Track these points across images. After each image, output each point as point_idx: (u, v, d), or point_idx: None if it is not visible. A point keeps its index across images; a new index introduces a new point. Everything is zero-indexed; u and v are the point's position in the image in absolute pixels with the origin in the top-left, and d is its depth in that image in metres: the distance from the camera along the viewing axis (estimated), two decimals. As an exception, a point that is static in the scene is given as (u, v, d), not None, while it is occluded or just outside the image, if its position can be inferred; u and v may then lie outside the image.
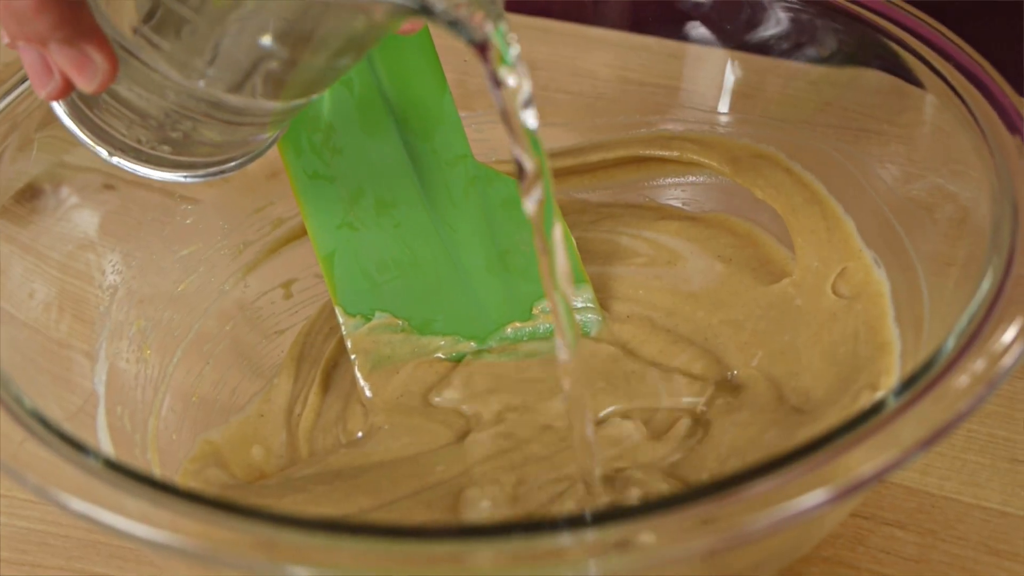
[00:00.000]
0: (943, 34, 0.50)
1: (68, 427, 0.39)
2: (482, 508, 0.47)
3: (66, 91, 0.40)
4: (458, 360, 0.55)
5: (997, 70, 0.48)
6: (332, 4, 0.37)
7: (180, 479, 0.50)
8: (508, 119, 0.38)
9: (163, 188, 0.57)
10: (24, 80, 0.51)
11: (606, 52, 0.65)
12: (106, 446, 0.46)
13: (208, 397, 0.54)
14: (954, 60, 0.49)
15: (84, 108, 0.44)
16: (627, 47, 0.64)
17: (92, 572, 0.49)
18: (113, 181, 0.55)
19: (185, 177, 0.47)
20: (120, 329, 0.52)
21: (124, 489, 0.36)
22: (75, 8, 0.38)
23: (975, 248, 0.44)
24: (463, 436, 0.52)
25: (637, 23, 0.65)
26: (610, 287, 0.58)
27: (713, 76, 0.61)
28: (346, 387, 0.55)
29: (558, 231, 0.40)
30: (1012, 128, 0.46)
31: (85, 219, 0.55)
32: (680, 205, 0.62)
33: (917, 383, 0.37)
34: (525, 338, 0.56)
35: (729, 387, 0.53)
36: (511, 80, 0.37)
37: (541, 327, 0.56)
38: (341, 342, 0.56)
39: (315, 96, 0.45)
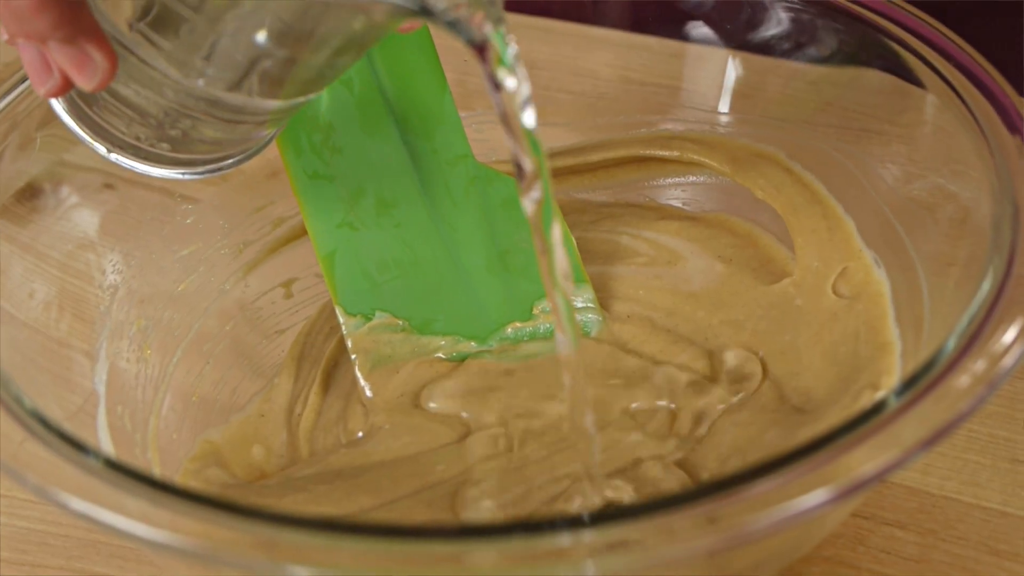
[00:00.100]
0: (944, 34, 0.50)
1: (68, 427, 0.39)
2: (483, 508, 0.47)
3: (65, 89, 0.40)
4: (459, 360, 0.55)
5: (997, 70, 0.48)
6: (331, 4, 0.37)
7: (180, 479, 0.50)
8: (507, 120, 0.38)
9: (163, 188, 0.57)
10: (24, 79, 0.51)
11: (607, 52, 0.65)
12: (106, 446, 0.46)
13: (208, 397, 0.54)
14: (955, 60, 0.49)
15: (83, 105, 0.44)
16: (628, 47, 0.64)
17: (92, 572, 0.49)
18: (113, 180, 0.55)
19: (183, 174, 0.47)
20: (120, 329, 0.52)
21: (124, 489, 0.36)
22: (75, 7, 0.38)
23: (976, 248, 0.44)
24: (464, 436, 0.52)
25: (638, 23, 0.65)
26: (610, 287, 0.58)
27: (714, 76, 0.61)
28: (346, 387, 0.55)
29: (557, 231, 0.40)
30: (1013, 128, 0.46)
31: (85, 218, 0.55)
32: (680, 205, 0.62)
33: (918, 383, 0.37)
34: (525, 338, 0.56)
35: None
36: (510, 82, 0.37)
37: (541, 327, 0.56)
38: (341, 342, 0.56)
39: (314, 94, 0.45)
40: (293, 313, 0.58)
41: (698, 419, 0.51)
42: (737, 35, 0.60)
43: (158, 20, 0.39)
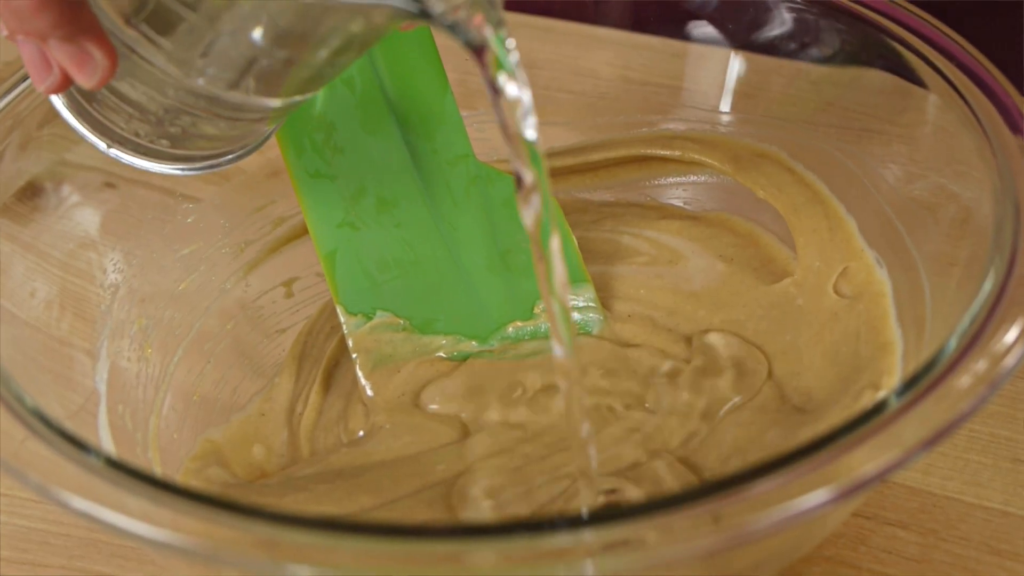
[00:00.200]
0: (946, 34, 0.50)
1: (69, 426, 0.39)
2: (483, 507, 0.47)
3: (65, 85, 0.40)
4: (460, 359, 0.55)
5: (997, 69, 0.48)
6: (330, 7, 0.37)
7: (181, 478, 0.50)
8: (506, 129, 0.38)
9: (164, 187, 0.57)
10: (25, 78, 0.51)
11: (608, 51, 0.65)
12: (107, 445, 0.46)
13: (209, 396, 0.54)
14: (957, 60, 0.49)
15: (83, 101, 0.44)
16: (629, 46, 0.64)
17: (93, 571, 0.49)
18: (114, 180, 0.55)
19: (182, 170, 0.47)
20: (121, 328, 0.52)
21: (125, 488, 0.36)
22: (75, 6, 0.38)
23: (977, 248, 0.44)
24: (464, 435, 0.52)
25: (639, 22, 0.65)
26: (611, 286, 0.58)
27: (715, 75, 0.61)
28: (347, 386, 0.55)
29: (556, 243, 0.40)
30: (1014, 128, 0.46)
31: (86, 217, 0.55)
32: (682, 204, 0.62)
33: (919, 383, 0.37)
34: (526, 337, 0.56)
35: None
36: (510, 89, 0.37)
37: (542, 326, 0.56)
38: (342, 341, 0.56)
39: (315, 92, 0.45)
40: (294, 312, 0.58)
41: (699, 419, 0.51)
42: (738, 35, 0.60)
43: (157, 18, 0.39)
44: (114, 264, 0.54)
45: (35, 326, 0.49)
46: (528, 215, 0.39)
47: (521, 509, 0.47)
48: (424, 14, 0.36)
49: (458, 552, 0.33)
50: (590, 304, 0.56)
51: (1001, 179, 0.44)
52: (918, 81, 0.50)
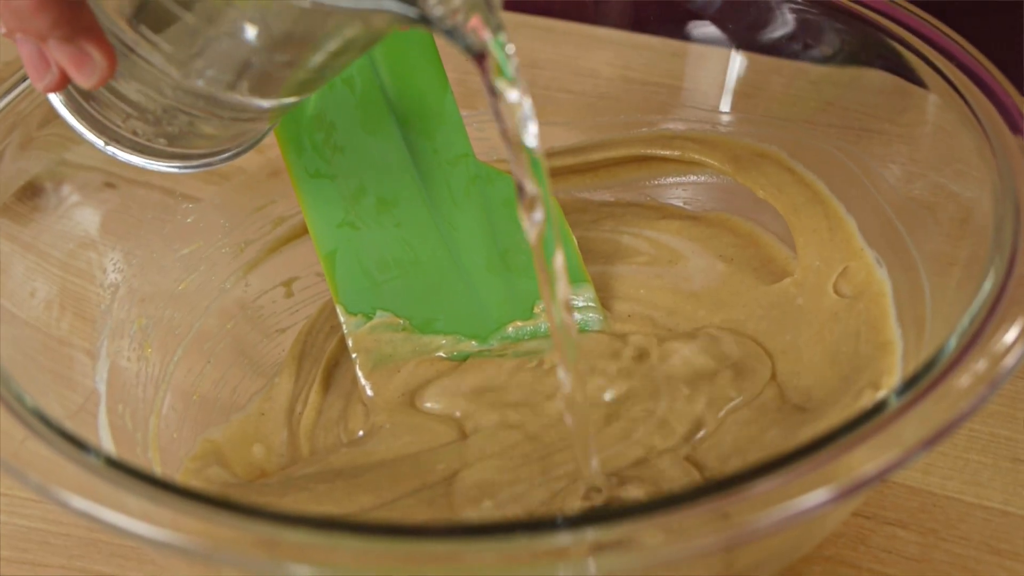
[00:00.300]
0: (946, 34, 0.50)
1: (69, 425, 0.39)
2: (483, 507, 0.47)
3: (63, 84, 0.40)
4: (460, 359, 0.55)
5: (998, 69, 0.48)
6: (329, 11, 0.37)
7: (181, 477, 0.50)
8: (507, 137, 0.38)
9: (164, 187, 0.57)
10: (25, 78, 0.51)
11: (608, 51, 0.65)
12: (107, 444, 0.46)
13: (209, 395, 0.54)
14: (956, 60, 0.49)
15: (81, 100, 0.44)
16: (629, 46, 0.64)
17: (93, 571, 0.49)
18: (114, 179, 0.55)
19: (180, 168, 0.47)
20: (121, 327, 0.52)
21: (125, 487, 0.36)
22: (74, 6, 0.38)
23: (977, 248, 0.44)
24: (464, 435, 0.52)
25: (639, 22, 0.65)
26: (611, 286, 0.58)
27: (715, 75, 0.61)
28: (347, 386, 0.55)
29: (559, 259, 0.40)
30: (1014, 128, 0.46)
31: (86, 217, 0.55)
32: (682, 204, 0.62)
33: (919, 383, 0.37)
34: (526, 337, 0.56)
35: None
36: (510, 95, 0.37)
37: (542, 326, 0.56)
38: (342, 341, 0.56)
39: (313, 93, 0.45)
40: (294, 312, 0.58)
41: (701, 418, 0.51)
42: (738, 34, 0.60)
43: (156, 19, 0.39)
44: (114, 264, 0.54)
45: (35, 326, 0.49)
46: (531, 230, 0.39)
47: (521, 509, 0.47)
48: (423, 19, 0.36)
49: (458, 552, 0.33)
50: (590, 304, 0.56)
51: (1001, 179, 0.44)
52: (918, 81, 0.50)
